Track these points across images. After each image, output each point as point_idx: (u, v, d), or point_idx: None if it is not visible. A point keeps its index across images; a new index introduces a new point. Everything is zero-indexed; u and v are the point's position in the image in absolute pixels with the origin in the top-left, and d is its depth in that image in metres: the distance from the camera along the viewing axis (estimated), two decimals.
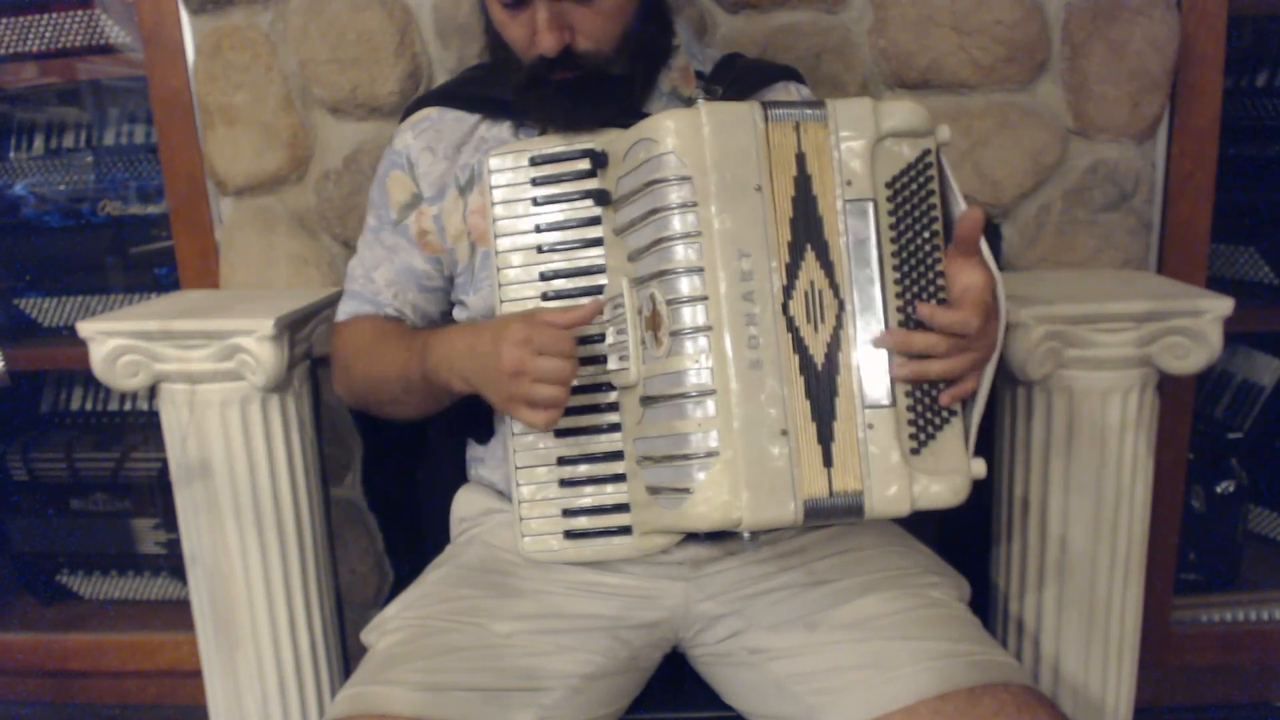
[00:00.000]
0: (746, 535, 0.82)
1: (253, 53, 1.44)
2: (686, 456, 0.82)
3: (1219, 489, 1.73)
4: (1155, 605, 1.54)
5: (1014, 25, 1.36)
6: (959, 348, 0.85)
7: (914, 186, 0.88)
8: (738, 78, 1.04)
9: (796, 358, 0.83)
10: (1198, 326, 1.20)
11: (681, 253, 0.83)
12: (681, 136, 0.83)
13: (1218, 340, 1.21)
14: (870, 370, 0.85)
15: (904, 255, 0.87)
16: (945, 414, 0.88)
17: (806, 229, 0.85)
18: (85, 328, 1.23)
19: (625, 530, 0.92)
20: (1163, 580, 1.60)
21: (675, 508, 0.84)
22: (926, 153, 0.88)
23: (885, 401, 0.85)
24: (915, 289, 0.87)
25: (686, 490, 0.82)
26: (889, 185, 0.87)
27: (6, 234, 1.89)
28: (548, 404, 0.85)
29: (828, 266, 0.85)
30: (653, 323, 0.85)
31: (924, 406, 0.87)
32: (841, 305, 0.85)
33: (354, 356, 1.08)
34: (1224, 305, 1.20)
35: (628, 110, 0.97)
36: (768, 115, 0.85)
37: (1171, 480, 1.56)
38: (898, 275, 0.86)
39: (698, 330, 0.82)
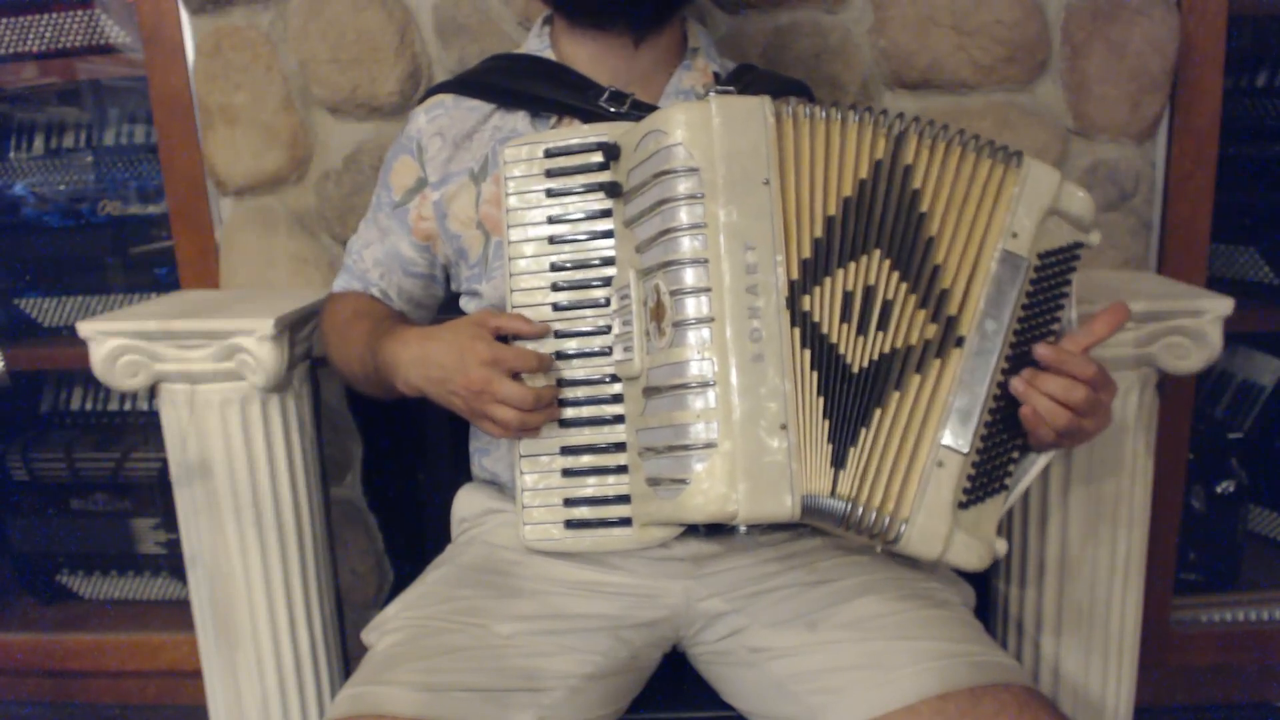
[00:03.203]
0: (743, 529, 0.82)
1: (253, 53, 1.44)
2: (686, 447, 0.82)
3: (1219, 489, 1.73)
4: (1155, 605, 1.54)
5: (1014, 25, 1.36)
6: (1081, 402, 0.86)
7: (1058, 268, 0.90)
8: (750, 85, 1.05)
9: (807, 353, 0.83)
10: (1198, 326, 1.20)
11: (687, 244, 0.83)
12: (691, 128, 0.83)
13: (1218, 340, 1.21)
14: (962, 411, 0.86)
15: (1026, 324, 0.89)
16: (998, 485, 0.89)
17: (890, 236, 0.87)
18: (85, 328, 1.23)
19: (625, 522, 0.92)
20: (1163, 580, 1.60)
21: (673, 498, 0.83)
22: (1079, 245, 0.92)
23: (963, 448, 0.86)
24: (1024, 360, 0.88)
25: (684, 481, 0.82)
26: (1041, 256, 0.89)
27: (6, 234, 1.89)
28: (505, 424, 0.90)
29: (938, 293, 0.87)
30: (657, 313, 0.85)
31: (988, 470, 0.88)
32: (960, 341, 0.86)
33: (331, 332, 1.14)
34: (1224, 305, 1.20)
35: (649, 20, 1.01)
36: (779, 111, 0.86)
37: (1171, 480, 1.56)
38: (1014, 339, 0.88)
39: (700, 321, 0.82)
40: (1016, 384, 0.86)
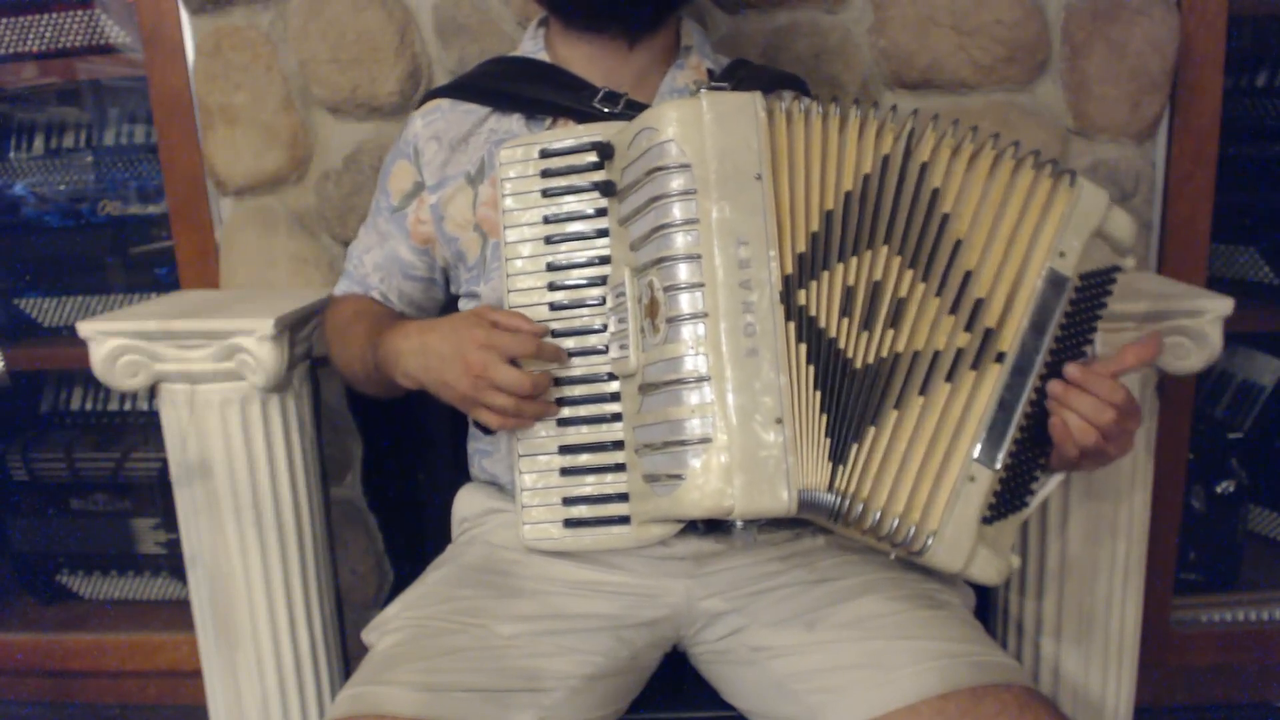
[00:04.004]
0: (740, 524, 0.82)
1: (253, 53, 1.44)
2: (682, 442, 0.82)
3: (1219, 489, 1.73)
4: (1155, 605, 1.54)
5: (1014, 25, 1.36)
6: (1108, 424, 0.85)
7: (1095, 290, 0.90)
8: (744, 80, 1.05)
9: (803, 347, 0.83)
10: (1198, 326, 1.20)
11: (680, 240, 0.83)
12: (683, 125, 0.83)
13: (1218, 340, 1.21)
14: (997, 427, 0.86)
15: (1061, 344, 0.88)
16: (1020, 502, 0.89)
17: (903, 233, 0.86)
18: (85, 328, 1.23)
19: (624, 520, 0.92)
20: (1163, 580, 1.60)
21: (670, 494, 0.83)
22: (1116, 268, 0.91)
23: (994, 465, 0.86)
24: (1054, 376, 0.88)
25: (680, 477, 0.82)
26: (1082, 277, 0.89)
27: (6, 234, 1.89)
28: (503, 411, 0.89)
29: (971, 301, 0.86)
30: (651, 310, 0.85)
31: (1013, 486, 0.88)
32: (1000, 356, 0.86)
33: (332, 334, 1.14)
34: (1224, 305, 1.20)
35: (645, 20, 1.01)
36: (771, 107, 0.85)
37: (1171, 480, 1.56)
38: (1049, 358, 0.87)
39: (695, 317, 0.82)
40: (1055, 387, 0.86)
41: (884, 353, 0.85)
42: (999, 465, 0.86)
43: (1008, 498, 0.88)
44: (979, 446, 0.86)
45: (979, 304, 0.86)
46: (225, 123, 1.47)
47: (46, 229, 1.89)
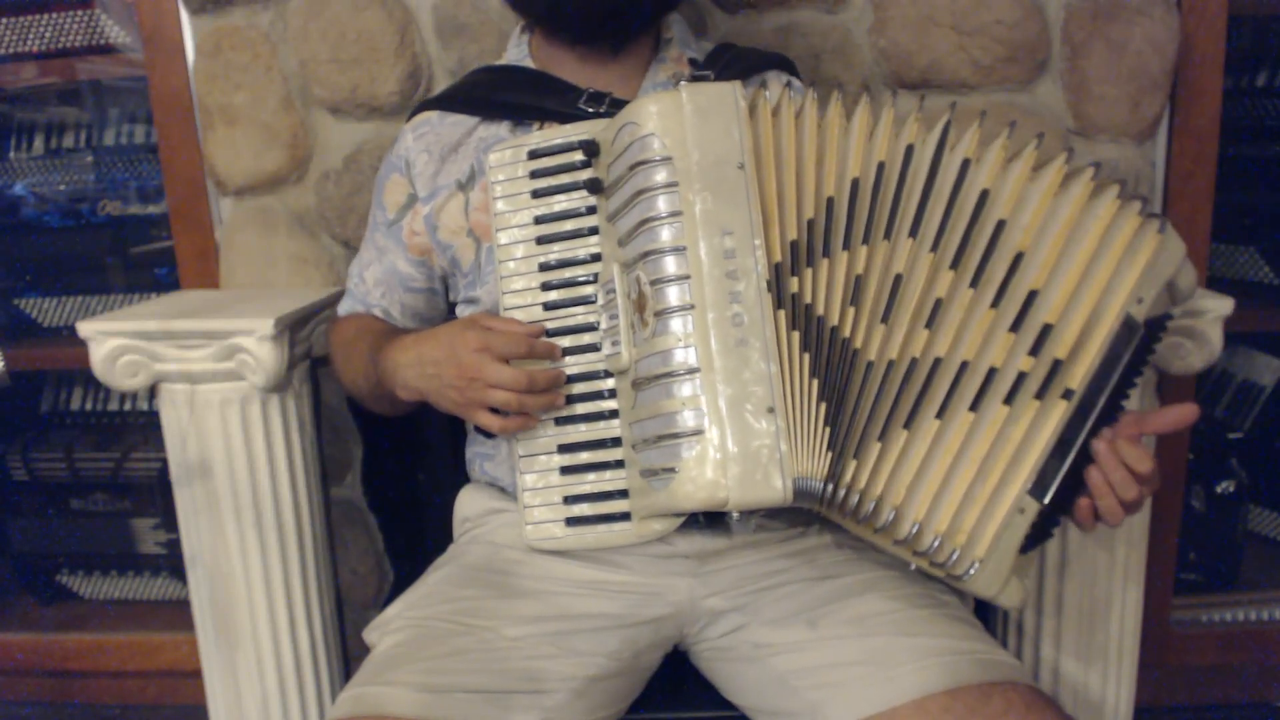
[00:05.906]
0: (736, 515, 0.81)
1: (253, 53, 1.44)
2: (675, 436, 0.82)
3: (1219, 489, 1.73)
4: (1155, 605, 1.54)
5: (1014, 25, 1.36)
6: (1133, 500, 0.85)
7: (1149, 339, 0.87)
8: (729, 64, 1.05)
9: (796, 335, 0.82)
10: (1198, 326, 1.20)
11: (665, 233, 0.82)
12: (663, 118, 0.83)
13: (1218, 340, 1.21)
14: (1054, 462, 0.84)
15: (1115, 388, 0.85)
16: (1049, 533, 0.88)
17: (938, 229, 0.84)
18: (85, 328, 1.23)
19: (625, 516, 0.92)
20: (1163, 580, 1.60)
21: (665, 488, 0.83)
22: (1170, 317, 0.88)
23: (1044, 499, 0.85)
24: (1104, 421, 0.85)
25: (674, 470, 0.82)
26: (1145, 324, 0.86)
27: (6, 234, 1.89)
28: (505, 406, 0.89)
29: (1038, 324, 0.84)
30: (640, 304, 0.85)
31: (1048, 518, 0.87)
32: (1068, 394, 0.84)
33: (337, 354, 1.14)
34: (1224, 305, 1.20)
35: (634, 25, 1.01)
36: (754, 97, 0.85)
37: (1171, 480, 1.56)
38: (1105, 401, 0.85)
39: (682, 309, 0.81)
40: (1096, 479, 0.84)
41: (916, 352, 0.83)
42: (1048, 500, 0.84)
43: (1042, 527, 0.87)
44: (1033, 479, 0.84)
45: (1047, 329, 0.83)
46: (225, 123, 1.47)
47: (46, 229, 1.89)
